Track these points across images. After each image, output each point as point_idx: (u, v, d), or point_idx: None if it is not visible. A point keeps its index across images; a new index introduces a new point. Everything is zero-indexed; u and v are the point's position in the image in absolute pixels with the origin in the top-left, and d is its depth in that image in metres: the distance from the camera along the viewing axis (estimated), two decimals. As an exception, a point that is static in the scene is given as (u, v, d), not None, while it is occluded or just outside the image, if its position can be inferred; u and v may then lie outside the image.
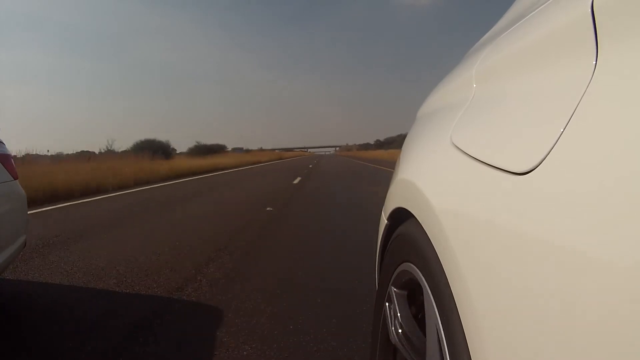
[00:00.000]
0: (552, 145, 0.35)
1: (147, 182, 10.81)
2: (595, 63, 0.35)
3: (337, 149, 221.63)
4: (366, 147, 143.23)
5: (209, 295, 2.22)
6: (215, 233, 3.88)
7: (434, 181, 0.63)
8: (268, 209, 5.46)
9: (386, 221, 0.89)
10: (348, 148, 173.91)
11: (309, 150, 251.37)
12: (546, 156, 0.36)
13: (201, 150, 38.25)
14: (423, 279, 0.58)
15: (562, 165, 0.34)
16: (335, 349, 1.63)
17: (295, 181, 10.52)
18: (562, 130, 0.35)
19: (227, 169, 19.92)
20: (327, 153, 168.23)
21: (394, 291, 0.75)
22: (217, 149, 43.17)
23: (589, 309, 0.27)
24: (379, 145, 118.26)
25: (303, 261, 2.87)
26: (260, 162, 31.74)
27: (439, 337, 0.49)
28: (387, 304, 0.78)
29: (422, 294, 0.58)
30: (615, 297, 0.26)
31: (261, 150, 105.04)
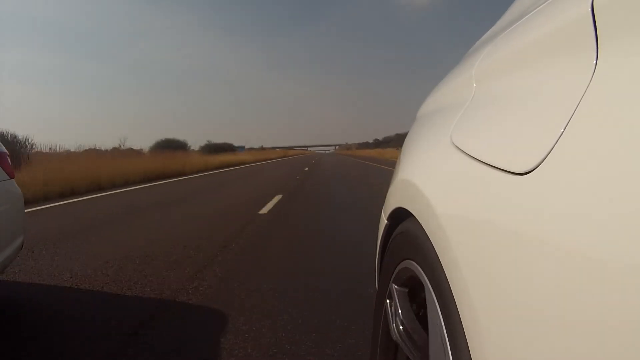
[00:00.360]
0: (552, 146, 0.35)
1: (209, 169, 16.78)
2: (596, 63, 0.35)
3: (337, 147, 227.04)
4: (365, 145, 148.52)
5: (299, 184, 9.53)
6: (282, 182, 10.29)
7: (434, 181, 0.63)
8: (297, 177, 11.26)
9: (386, 221, 0.88)
10: (347, 147, 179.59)
11: (309, 148, 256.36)
12: (546, 156, 0.35)
13: (212, 148, 43.48)
14: (424, 276, 0.58)
15: (562, 165, 0.34)
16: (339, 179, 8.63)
17: (306, 169, 17.65)
18: (562, 130, 0.35)
19: (253, 162, 28.66)
20: (327, 152, 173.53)
21: (395, 288, 0.75)
22: (226, 148, 48.69)
23: (588, 308, 0.27)
24: (377, 144, 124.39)
25: (320, 185, 9.35)
26: (271, 159, 38.50)
27: (440, 334, 0.50)
28: (387, 301, 0.78)
29: (423, 291, 0.58)
30: (615, 296, 0.26)
31: (262, 148, 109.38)
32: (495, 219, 0.41)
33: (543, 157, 0.36)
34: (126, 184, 9.86)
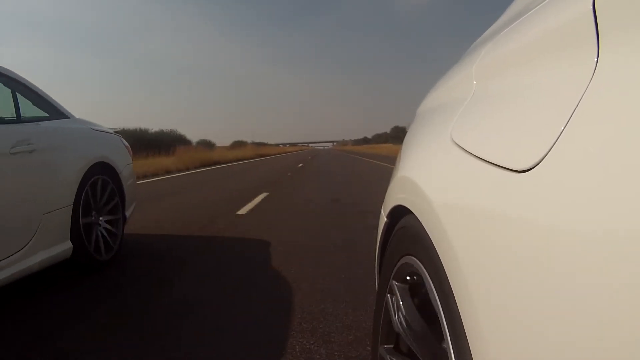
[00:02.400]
0: (552, 143, 0.35)
1: (275, 153, 44.55)
2: (597, 60, 0.35)
3: (335, 143, 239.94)
4: (359, 142, 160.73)
5: (311, 158, 26.42)
6: (305, 156, 32.48)
7: (434, 179, 0.63)
8: (309, 157, 26.58)
9: (385, 219, 0.88)
10: (344, 143, 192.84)
11: (310, 145, 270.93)
12: (547, 154, 0.35)
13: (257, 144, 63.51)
14: (425, 272, 0.59)
15: (562, 163, 0.34)
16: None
17: (313, 154, 37.55)
18: (562, 127, 0.35)
19: (289, 152, 60.86)
20: (325, 147, 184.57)
21: (396, 285, 0.75)
22: (261, 144, 69.99)
23: (586, 304, 0.27)
24: (366, 141, 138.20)
25: (322, 159, 25.50)
26: (293, 151, 67.60)
27: (441, 327, 0.50)
28: (388, 295, 0.78)
29: (424, 286, 0.59)
30: (615, 293, 0.26)
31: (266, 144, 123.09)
32: (496, 217, 0.41)
33: (543, 154, 0.36)
34: (239, 160, 21.26)
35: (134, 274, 2.50)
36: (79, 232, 2.29)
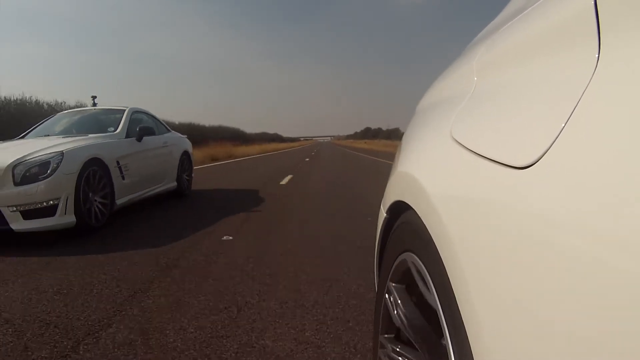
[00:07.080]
0: (553, 140, 0.35)
1: (294, 146, 62.47)
2: (598, 56, 0.35)
3: (332, 137, 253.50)
4: (349, 137, 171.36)
5: (315, 152, 30.31)
6: (310, 148, 45.30)
7: (433, 175, 0.63)
8: (313, 153, 28.59)
9: (385, 214, 0.89)
10: (339, 138, 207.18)
11: (313, 138, 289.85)
12: (547, 151, 0.35)
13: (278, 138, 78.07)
14: (424, 268, 0.59)
15: (562, 160, 0.34)
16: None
17: (318, 148, 46.95)
18: (563, 124, 0.35)
19: (301, 145, 71.11)
20: (325, 141, 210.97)
21: (393, 286, 0.76)
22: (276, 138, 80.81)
23: (584, 300, 0.27)
24: (352, 136, 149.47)
25: (323, 151, 33.58)
26: (302, 145, 76.19)
27: (440, 322, 0.51)
28: (386, 295, 0.79)
29: (423, 282, 0.59)
30: (614, 290, 0.26)
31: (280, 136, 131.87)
32: (496, 213, 0.41)
33: (544, 151, 0.36)
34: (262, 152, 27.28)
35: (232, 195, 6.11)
36: (179, 178, 5.51)
